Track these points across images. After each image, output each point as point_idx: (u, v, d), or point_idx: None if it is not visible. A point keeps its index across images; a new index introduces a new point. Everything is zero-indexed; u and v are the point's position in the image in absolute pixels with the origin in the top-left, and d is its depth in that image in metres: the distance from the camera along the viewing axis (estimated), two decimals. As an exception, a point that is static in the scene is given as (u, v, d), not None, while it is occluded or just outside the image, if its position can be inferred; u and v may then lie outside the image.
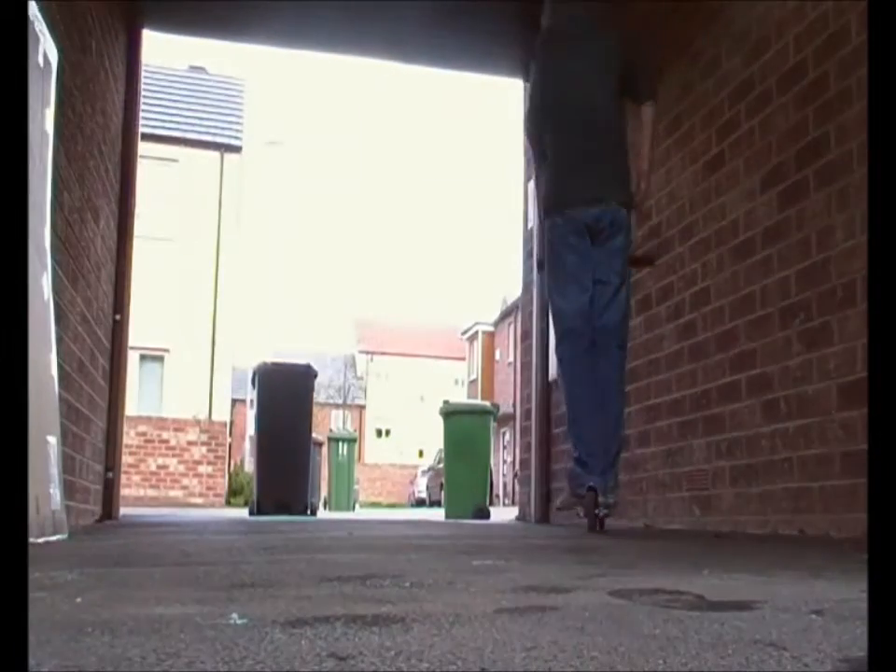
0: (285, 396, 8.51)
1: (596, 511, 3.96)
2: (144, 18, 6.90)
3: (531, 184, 6.58)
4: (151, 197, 16.66)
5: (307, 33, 7.17)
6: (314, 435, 9.61)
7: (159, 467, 17.16)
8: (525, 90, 7.42)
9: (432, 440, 30.92)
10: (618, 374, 4.02)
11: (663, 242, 5.19)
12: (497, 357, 39.29)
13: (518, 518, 7.23)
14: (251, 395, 9.82)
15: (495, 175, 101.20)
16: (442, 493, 12.60)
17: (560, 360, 4.13)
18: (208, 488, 17.45)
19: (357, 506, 17.95)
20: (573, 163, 4.06)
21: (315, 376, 8.93)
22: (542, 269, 4.57)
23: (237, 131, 21.47)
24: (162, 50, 31.55)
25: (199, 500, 17.08)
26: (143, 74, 7.08)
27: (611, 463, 3.94)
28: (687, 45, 5.06)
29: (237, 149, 21.05)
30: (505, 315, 37.57)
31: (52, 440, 3.21)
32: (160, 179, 18.12)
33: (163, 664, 0.90)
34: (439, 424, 9.67)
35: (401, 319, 53.78)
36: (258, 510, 8.17)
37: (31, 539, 2.71)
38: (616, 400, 4.04)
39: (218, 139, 20.78)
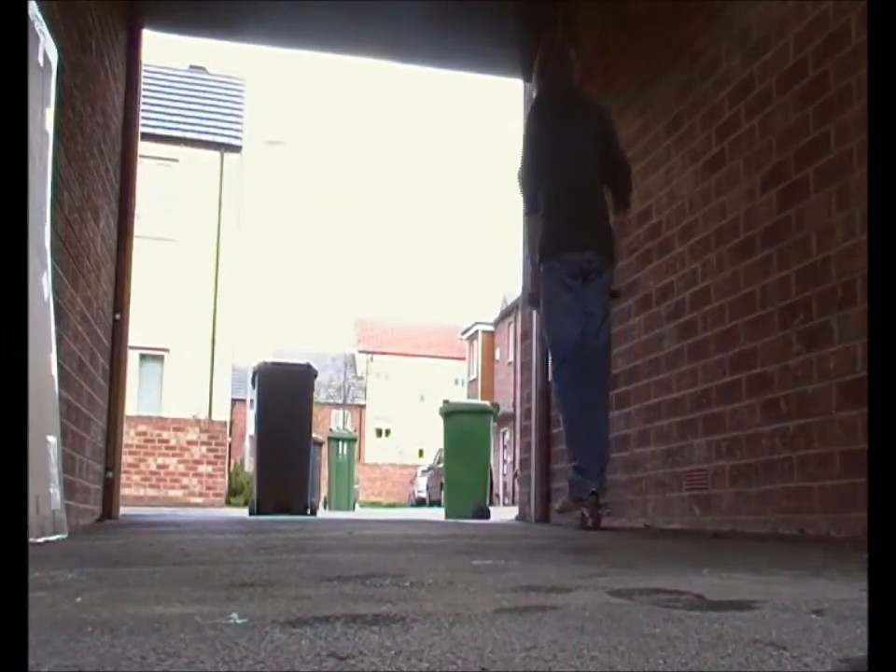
0: (285, 395, 8.50)
1: (599, 511, 4.44)
2: (144, 18, 6.91)
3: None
4: (151, 197, 16.69)
5: (306, 32, 7.18)
6: (314, 435, 9.60)
7: (159, 466, 17.14)
8: (524, 90, 7.42)
9: (432, 439, 30.93)
10: (604, 388, 4.69)
11: (663, 241, 5.20)
12: (497, 356, 39.30)
13: (518, 518, 7.23)
14: (251, 395, 9.81)
15: (495, 175, 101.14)
16: (442, 493, 12.60)
17: (557, 382, 4.75)
18: (208, 488, 17.44)
19: (356, 506, 17.94)
20: (567, 217, 4.65)
21: (315, 376, 8.93)
22: (532, 303, 5.22)
23: (237, 130, 21.46)
24: (162, 50, 31.51)
25: (199, 500, 17.06)
26: (143, 74, 7.08)
27: (603, 467, 4.49)
28: (687, 45, 5.06)
29: (237, 149, 21.04)
30: (505, 314, 37.58)
31: (52, 439, 3.21)
32: (160, 179, 18.14)
33: (163, 663, 0.90)
34: (439, 423, 9.66)
35: (401, 319, 53.80)
36: (257, 509, 8.16)
37: (31, 539, 2.71)
38: (605, 410, 4.64)
39: (218, 139, 20.77)
